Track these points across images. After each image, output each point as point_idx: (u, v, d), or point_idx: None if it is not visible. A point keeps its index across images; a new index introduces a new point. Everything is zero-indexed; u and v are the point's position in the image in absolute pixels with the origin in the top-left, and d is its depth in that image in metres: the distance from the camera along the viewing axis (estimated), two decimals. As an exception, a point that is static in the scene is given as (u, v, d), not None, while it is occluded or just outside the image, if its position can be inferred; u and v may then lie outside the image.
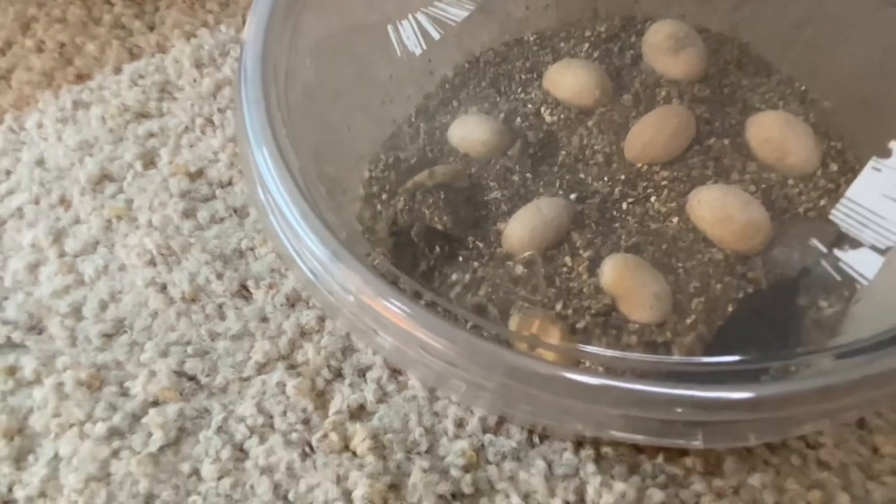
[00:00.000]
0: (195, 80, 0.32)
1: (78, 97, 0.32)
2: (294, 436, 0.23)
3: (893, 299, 0.19)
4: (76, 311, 0.26)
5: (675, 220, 0.22)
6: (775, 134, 0.23)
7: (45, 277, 0.27)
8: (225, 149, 0.30)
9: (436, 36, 0.28)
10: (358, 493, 0.22)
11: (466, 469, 0.22)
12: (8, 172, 0.30)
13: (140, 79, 0.33)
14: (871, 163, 0.19)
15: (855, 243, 0.21)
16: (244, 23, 0.34)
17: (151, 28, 0.35)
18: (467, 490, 0.22)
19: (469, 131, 0.25)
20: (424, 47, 0.28)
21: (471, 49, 0.29)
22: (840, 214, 0.20)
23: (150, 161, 0.30)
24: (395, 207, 0.24)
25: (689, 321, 0.21)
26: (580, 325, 0.21)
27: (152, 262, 0.27)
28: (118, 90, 0.32)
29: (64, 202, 0.29)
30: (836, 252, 0.21)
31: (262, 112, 0.21)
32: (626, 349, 0.21)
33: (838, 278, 0.21)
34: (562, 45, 0.28)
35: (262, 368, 0.25)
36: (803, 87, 0.25)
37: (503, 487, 0.22)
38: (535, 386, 0.16)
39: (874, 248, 0.20)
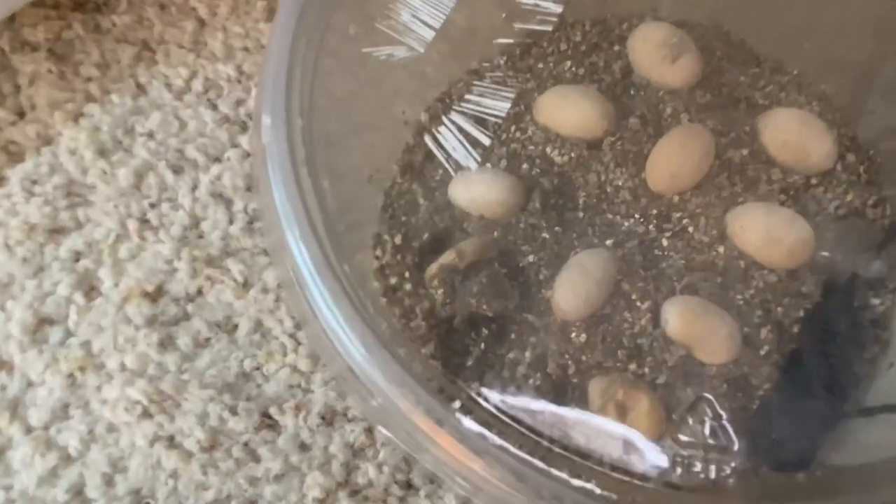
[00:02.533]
0: (106, 174, 0.28)
1: (-38, 226, 0.27)
2: (385, 573, 0.23)
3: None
4: (78, 495, 0.24)
5: (721, 248, 0.23)
6: (794, 137, 0.24)
7: (19, 464, 0.24)
8: (179, 255, 0.27)
9: (396, 71, 0.26)
10: None
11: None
12: None
13: (34, 185, 0.28)
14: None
15: (891, 236, 0.23)
16: (137, 86, 0.30)
17: (21, 114, 0.29)
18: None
19: (479, 193, 0.24)
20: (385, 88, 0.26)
21: (435, 81, 0.27)
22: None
23: (90, 288, 0.26)
24: (432, 300, 0.23)
25: (762, 352, 0.22)
26: (660, 380, 0.22)
27: (147, 414, 0.24)
28: (12, 206, 0.28)
29: (4, 365, 0.25)
30: (878, 247, 0.23)
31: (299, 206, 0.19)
32: (712, 392, 0.22)
33: (883, 272, 0.23)
34: (539, 65, 0.27)
35: (323, 504, 0.24)
36: (796, 72, 0.26)
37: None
38: None
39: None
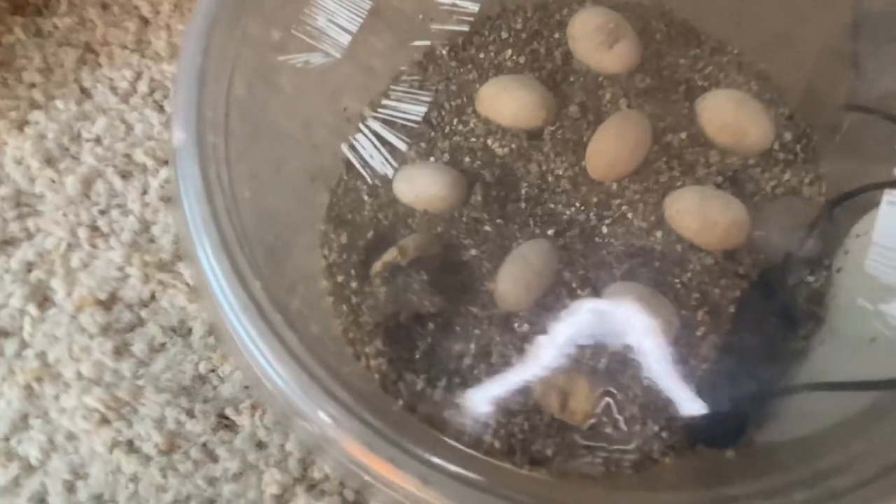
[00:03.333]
0: (54, 182, 0.29)
1: (-89, 241, 0.28)
2: (342, 561, 0.24)
3: (871, 264, 0.22)
4: (41, 503, 0.25)
5: (659, 233, 0.24)
6: (731, 118, 0.25)
7: (-20, 478, 0.25)
8: (130, 260, 0.27)
9: (335, 61, 0.26)
10: None
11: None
12: None
13: (-17, 196, 0.29)
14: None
15: (826, 213, 0.24)
16: (81, 91, 0.30)
17: (-34, 124, 0.30)
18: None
19: (422, 187, 0.25)
20: (327, 84, 0.27)
21: (375, 70, 0.28)
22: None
23: (43, 299, 0.27)
24: (376, 298, 0.24)
25: (699, 333, 0.23)
26: (600, 366, 0.23)
27: (105, 421, 0.25)
28: (-39, 219, 0.28)
29: (-41, 381, 0.26)
30: (812, 225, 0.24)
31: (213, 232, 0.20)
32: (651, 374, 0.23)
33: (818, 250, 0.24)
34: (481, 55, 0.27)
35: (281, 499, 0.25)
36: (736, 51, 0.27)
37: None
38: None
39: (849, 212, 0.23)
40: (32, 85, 0.30)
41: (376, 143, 0.26)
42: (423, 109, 0.25)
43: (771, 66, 0.26)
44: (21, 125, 0.30)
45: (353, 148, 0.26)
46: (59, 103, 0.30)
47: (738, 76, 0.26)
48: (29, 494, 0.24)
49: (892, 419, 0.18)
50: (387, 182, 0.26)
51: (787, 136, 0.25)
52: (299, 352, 0.19)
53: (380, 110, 0.26)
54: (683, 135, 0.25)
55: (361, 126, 0.26)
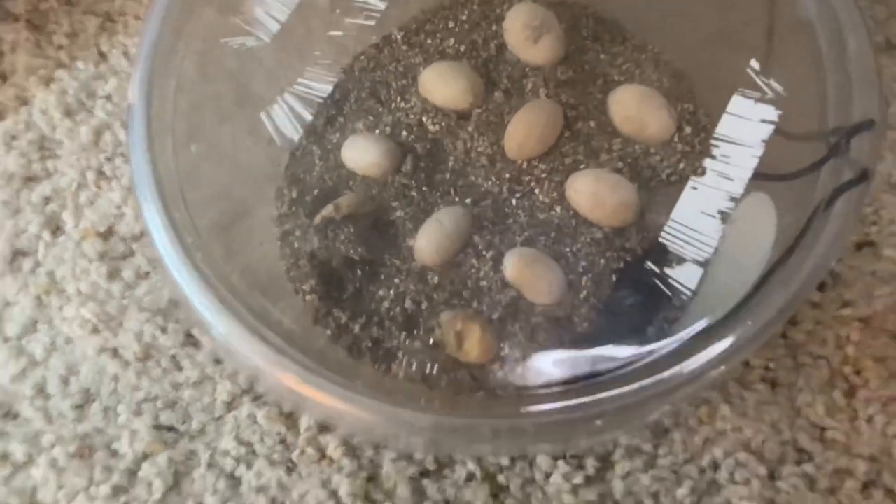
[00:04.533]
0: (71, 131, 0.34)
1: (-45, 174, 0.34)
2: (276, 456, 0.29)
3: (739, 255, 0.25)
4: (41, 391, 0.31)
5: (559, 208, 0.28)
6: (633, 111, 0.28)
7: (-3, 366, 0.31)
8: (127, 201, 0.33)
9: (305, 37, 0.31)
10: (343, 492, 0.28)
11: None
12: (-86, 269, 0.33)
13: (13, 140, 0.34)
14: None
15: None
16: (100, 54, 0.36)
17: (4, 78, 0.36)
18: (431, 468, 0.29)
19: (362, 154, 0.29)
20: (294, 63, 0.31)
21: (344, 47, 0.32)
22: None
23: (55, 228, 0.33)
24: (313, 245, 0.28)
25: (582, 296, 0.27)
26: (495, 315, 0.27)
27: (96, 330, 0.31)
28: (-5, 158, 0.34)
29: (-15, 289, 0.32)
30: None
31: (149, 174, 0.25)
32: (535, 328, 0.27)
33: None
34: (429, 41, 0.31)
35: (230, 406, 0.30)
36: (656, 49, 0.30)
37: (460, 458, 0.28)
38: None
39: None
40: (60, 47, 0.36)
41: (332, 112, 0.31)
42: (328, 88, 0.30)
43: (685, 66, 0.30)
44: (48, 81, 0.35)
45: (314, 115, 0.31)
46: (80, 64, 0.35)
47: (653, 73, 0.30)
48: (32, 384, 0.31)
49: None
50: (337, 149, 0.30)
51: (688, 129, 0.28)
52: (236, 303, 0.24)
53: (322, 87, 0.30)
54: (593, 123, 0.29)
55: (303, 81, 0.30)
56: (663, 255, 0.27)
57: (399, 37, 0.32)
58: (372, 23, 0.30)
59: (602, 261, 0.28)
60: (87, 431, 0.30)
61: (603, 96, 0.29)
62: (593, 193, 0.27)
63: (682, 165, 0.29)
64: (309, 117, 0.29)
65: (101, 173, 0.34)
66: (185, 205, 0.27)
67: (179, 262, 0.25)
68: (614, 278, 0.27)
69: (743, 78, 0.28)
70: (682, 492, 0.27)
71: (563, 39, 0.30)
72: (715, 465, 0.27)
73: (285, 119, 0.29)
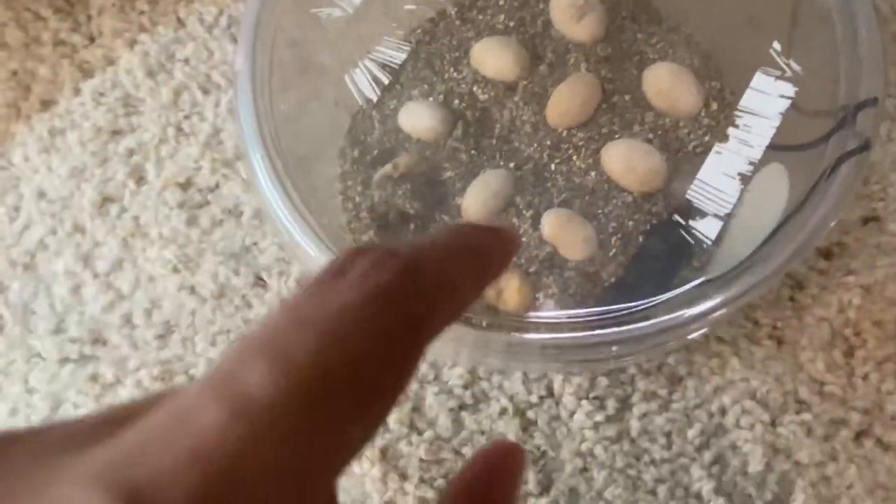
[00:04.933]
0: (153, 90, 0.38)
1: (51, 125, 0.38)
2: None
3: (754, 218, 0.28)
4: (128, 321, 0.35)
5: (594, 173, 0.31)
6: (665, 86, 0.31)
7: (89, 297, 0.35)
8: (203, 156, 0.37)
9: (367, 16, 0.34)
10: (391, 419, 0.32)
11: (466, 386, 0.32)
12: (16, 209, 0.37)
13: (101, 97, 0.38)
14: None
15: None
16: (178, 20, 0.39)
17: (92, 39, 0.39)
18: (469, 402, 0.32)
19: (418, 120, 0.32)
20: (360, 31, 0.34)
21: (399, 21, 0.35)
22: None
23: (139, 178, 0.37)
24: (372, 199, 0.32)
25: (611, 254, 0.30)
26: (532, 269, 0.31)
27: (176, 270, 0.35)
28: (85, 112, 0.38)
29: (78, 229, 0.36)
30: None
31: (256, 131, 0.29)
32: (568, 281, 0.30)
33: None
34: (480, 17, 0.34)
35: (293, 341, 0.34)
36: (688, 31, 0.32)
37: (494, 395, 0.32)
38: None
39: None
40: (142, 12, 0.39)
41: (393, 63, 0.34)
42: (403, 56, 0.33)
43: (715, 47, 0.32)
44: (132, 44, 0.39)
45: (374, 81, 0.34)
46: (160, 29, 0.39)
47: (684, 53, 0.32)
48: (120, 315, 0.35)
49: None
50: (395, 114, 0.34)
51: (714, 105, 0.31)
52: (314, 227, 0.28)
53: (390, 56, 0.33)
54: (628, 97, 0.32)
55: (377, 69, 0.33)
56: (689, 211, 0.30)
57: (453, 12, 0.35)
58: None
59: (630, 223, 0.31)
60: (168, 358, 0.34)
61: (638, 73, 0.32)
62: (626, 161, 0.30)
63: (707, 138, 0.31)
64: (378, 84, 0.32)
65: (179, 129, 0.38)
66: (280, 157, 0.30)
67: (276, 191, 0.29)
68: (641, 239, 0.30)
69: (766, 59, 0.31)
70: (692, 433, 0.30)
71: (605, 19, 0.32)
72: (723, 411, 0.30)
73: (360, 83, 0.32)
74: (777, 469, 0.30)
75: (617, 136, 0.31)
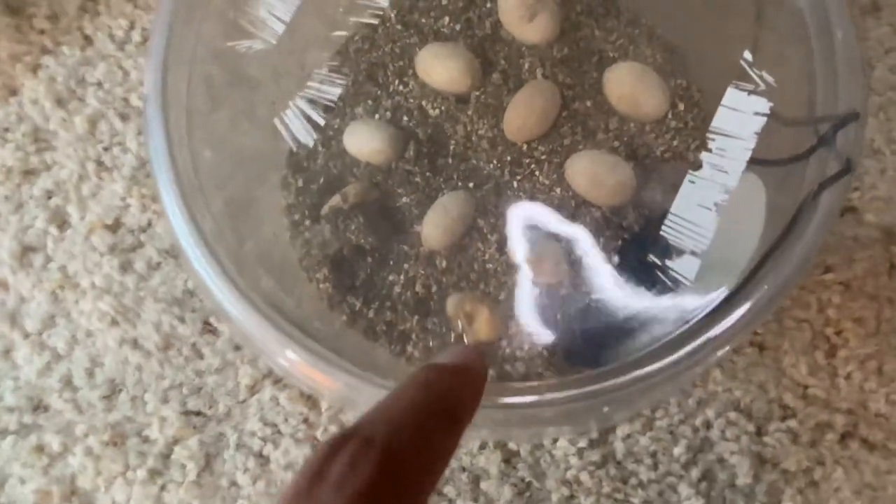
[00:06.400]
0: (65, 121, 0.34)
1: (-48, 170, 0.34)
2: (301, 435, 0.31)
3: (731, 236, 0.27)
4: (68, 384, 0.32)
5: (558, 189, 0.29)
6: (628, 89, 0.29)
7: (23, 360, 0.32)
8: (130, 192, 0.34)
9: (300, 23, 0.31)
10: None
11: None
12: (-75, 269, 0.34)
13: (6, 133, 0.35)
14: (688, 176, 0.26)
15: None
16: (84, 38, 0.35)
17: (-12, 67, 0.35)
18: (447, 436, 0.31)
19: (364, 142, 0.30)
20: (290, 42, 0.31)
21: (333, 26, 0.32)
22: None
23: (61, 222, 0.34)
24: (323, 235, 0.29)
25: (584, 275, 0.28)
26: (501, 297, 0.29)
27: (115, 323, 0.32)
28: (-9, 151, 0.34)
29: (1, 284, 0.33)
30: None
31: (168, 165, 0.26)
32: (540, 306, 0.29)
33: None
34: (423, 20, 0.31)
35: (252, 389, 0.32)
36: (649, 23, 0.30)
37: (474, 429, 0.31)
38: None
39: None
40: (42, 31, 0.35)
41: (328, 99, 0.31)
42: (338, 90, 0.30)
43: (678, 40, 0.30)
44: (34, 69, 0.35)
45: (311, 101, 0.31)
46: (65, 49, 0.35)
47: (646, 48, 0.30)
48: (59, 377, 0.32)
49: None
50: (338, 135, 0.31)
51: (681, 105, 0.30)
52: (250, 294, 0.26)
53: (326, 74, 0.30)
54: (589, 103, 0.30)
55: (313, 84, 0.30)
56: (665, 250, 0.29)
57: (393, 15, 0.32)
58: (375, 21, 0.30)
59: (601, 240, 0.29)
60: (117, 420, 0.32)
61: (598, 75, 0.30)
62: (591, 175, 0.28)
63: (675, 143, 0.30)
64: (311, 107, 0.30)
65: (100, 164, 0.34)
66: (202, 195, 0.28)
67: (199, 251, 0.26)
68: (614, 256, 0.29)
69: (734, 49, 0.29)
70: (678, 450, 0.29)
71: (558, 16, 0.30)
72: (708, 425, 0.30)
73: (292, 110, 0.29)
74: (765, 479, 0.29)
75: (580, 146, 0.29)
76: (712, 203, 0.25)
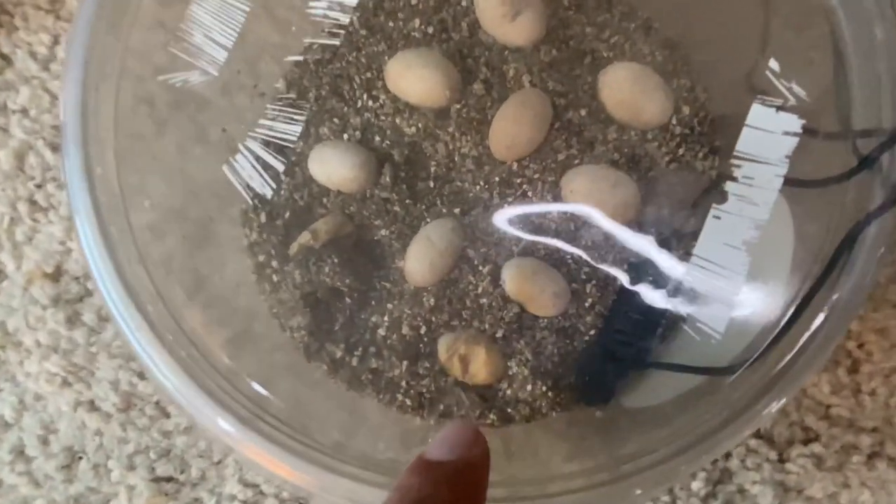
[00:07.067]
0: (-12, 156, 0.30)
1: None
2: (285, 494, 0.28)
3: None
4: (20, 455, 0.29)
5: (556, 211, 0.26)
6: (626, 94, 0.26)
7: (-36, 434, 0.29)
8: (70, 234, 0.30)
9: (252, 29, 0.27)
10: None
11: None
12: None
13: (-78, 173, 0.30)
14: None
15: (706, 191, 0.26)
16: (1, 58, 0.31)
17: None
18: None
19: (333, 168, 0.26)
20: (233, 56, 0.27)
21: (290, 34, 0.28)
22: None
23: (-5, 272, 0.30)
24: (293, 278, 0.26)
25: (587, 304, 0.26)
26: (499, 334, 0.26)
27: (66, 384, 0.29)
28: None
29: (-70, 351, 0.29)
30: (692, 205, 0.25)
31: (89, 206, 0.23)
32: (542, 343, 0.26)
33: (698, 227, 0.26)
34: (390, 23, 0.27)
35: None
36: (646, 16, 0.27)
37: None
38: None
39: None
40: (-49, 54, 0.31)
41: (290, 120, 0.27)
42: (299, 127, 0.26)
43: (679, 34, 0.27)
44: (-54, 97, 0.30)
45: (273, 118, 0.28)
46: (-20, 73, 0.31)
47: (644, 45, 0.27)
48: (9, 448, 0.29)
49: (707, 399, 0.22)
50: (303, 160, 0.27)
51: (686, 109, 0.27)
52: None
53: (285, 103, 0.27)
54: (584, 111, 0.27)
55: (271, 106, 0.27)
56: (690, 297, 0.26)
57: (356, 19, 0.28)
58: (336, 41, 0.26)
59: (604, 266, 0.26)
60: (80, 492, 0.29)
61: (593, 78, 0.27)
62: (591, 194, 0.25)
63: (681, 151, 0.27)
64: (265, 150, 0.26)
65: (33, 203, 0.30)
66: (132, 235, 0.24)
67: (127, 314, 0.23)
68: (619, 283, 0.26)
69: (742, 43, 0.26)
70: (696, 484, 0.27)
71: (544, 12, 0.26)
72: (727, 454, 0.28)
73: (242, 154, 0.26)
74: (791, 508, 0.27)
75: (577, 161, 0.26)
76: (741, 241, 0.22)
